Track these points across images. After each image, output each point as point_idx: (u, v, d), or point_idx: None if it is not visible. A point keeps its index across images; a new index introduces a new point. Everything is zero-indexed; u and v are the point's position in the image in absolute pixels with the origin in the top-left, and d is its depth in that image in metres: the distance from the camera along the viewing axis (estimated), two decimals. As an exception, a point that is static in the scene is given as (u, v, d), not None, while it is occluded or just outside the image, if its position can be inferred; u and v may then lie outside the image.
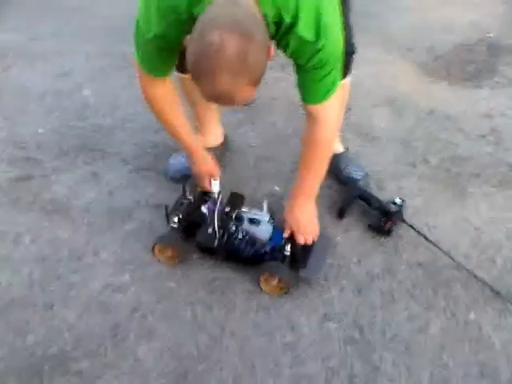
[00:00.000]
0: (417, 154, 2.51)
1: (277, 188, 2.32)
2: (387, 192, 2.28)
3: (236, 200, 1.98)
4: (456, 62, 3.25)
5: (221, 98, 1.33)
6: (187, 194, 2.06)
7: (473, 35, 3.51)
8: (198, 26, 1.30)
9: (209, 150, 2.37)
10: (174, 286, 1.91)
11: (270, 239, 1.91)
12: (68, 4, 3.99)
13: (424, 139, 2.61)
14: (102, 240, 2.07)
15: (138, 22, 1.59)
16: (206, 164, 2.04)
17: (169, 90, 1.82)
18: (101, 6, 3.92)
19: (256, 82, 1.33)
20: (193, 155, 2.03)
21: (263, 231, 1.92)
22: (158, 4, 1.46)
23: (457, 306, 1.84)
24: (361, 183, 2.25)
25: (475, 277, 1.91)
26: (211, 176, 2.03)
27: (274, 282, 1.85)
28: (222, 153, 2.45)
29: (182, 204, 2.02)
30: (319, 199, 1.99)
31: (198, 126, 2.38)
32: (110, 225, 2.13)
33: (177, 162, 2.34)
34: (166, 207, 1.95)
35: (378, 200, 2.12)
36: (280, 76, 2.93)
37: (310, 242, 1.90)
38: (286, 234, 1.91)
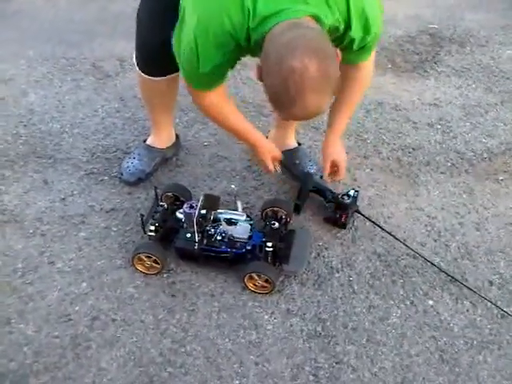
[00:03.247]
0: (368, 146, 2.55)
1: (233, 186, 2.30)
2: (341, 184, 2.31)
3: (210, 201, 1.95)
4: (400, 54, 3.31)
5: (311, 116, 1.43)
6: (160, 200, 2.04)
7: (415, 27, 3.59)
8: (271, 56, 1.35)
9: (163, 150, 2.36)
10: (133, 291, 1.88)
11: (250, 238, 1.90)
12: (7, 8, 3.85)
13: (374, 131, 2.65)
14: (57, 249, 2.02)
15: (186, 55, 1.59)
16: (273, 151, 2.03)
17: (222, 93, 1.81)
18: (41, 10, 3.80)
19: (335, 89, 1.42)
20: (258, 147, 2.00)
21: (242, 230, 1.91)
22: (216, 40, 1.50)
23: (415, 293, 1.88)
24: (315, 177, 2.27)
25: (431, 264, 1.96)
26: (275, 160, 2.04)
27: (260, 280, 1.85)
28: (175, 153, 2.43)
29: (156, 211, 1.99)
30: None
31: (153, 128, 2.34)
32: (64, 233, 2.08)
33: (130, 165, 2.30)
34: (142, 216, 1.91)
35: (331, 193, 2.15)
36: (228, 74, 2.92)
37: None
38: (326, 171, 2.05)
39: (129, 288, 1.89)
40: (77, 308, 1.83)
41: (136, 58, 2.04)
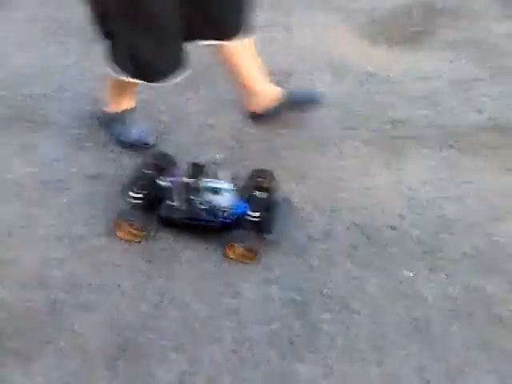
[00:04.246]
0: (356, 118, 2.54)
1: (218, 156, 2.30)
2: (327, 155, 2.30)
3: (195, 170, 1.94)
4: (394, 26, 3.27)
5: None
6: (144, 167, 2.03)
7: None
8: None
9: (124, 112, 2.33)
10: (112, 257, 1.89)
11: (233, 207, 1.90)
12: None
13: (363, 103, 2.63)
14: (37, 214, 2.02)
15: None
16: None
17: None
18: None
19: None
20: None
21: (225, 200, 1.90)
22: None
23: (392, 264, 1.89)
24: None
25: (409, 236, 1.97)
26: None
27: (241, 249, 1.85)
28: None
29: (139, 178, 1.98)
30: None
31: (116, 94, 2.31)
32: (44, 198, 2.07)
33: (135, 130, 2.30)
34: (123, 184, 1.90)
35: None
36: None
37: None
38: None
39: (107, 254, 1.90)
40: (55, 273, 1.83)
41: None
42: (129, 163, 2.24)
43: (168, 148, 2.29)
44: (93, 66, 2.71)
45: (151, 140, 2.30)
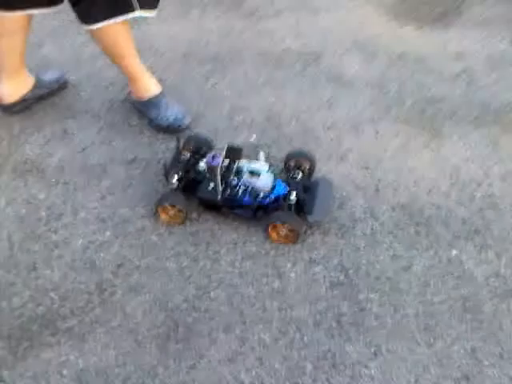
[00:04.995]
0: (391, 97, 2.51)
1: (253, 138, 2.29)
2: (365, 135, 2.28)
3: (233, 152, 1.93)
4: (423, 4, 3.22)
5: None
6: (182, 150, 2.02)
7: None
8: None
9: (157, 96, 2.32)
10: (157, 240, 1.89)
11: (273, 189, 1.89)
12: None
13: (397, 82, 2.60)
14: (80, 198, 2.03)
15: None
16: None
17: None
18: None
19: None
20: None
21: (265, 181, 1.89)
22: None
23: (439, 243, 1.87)
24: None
25: (455, 215, 1.95)
26: None
27: (283, 231, 1.84)
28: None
29: (179, 161, 1.98)
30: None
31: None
32: (86, 182, 2.08)
33: (170, 113, 2.29)
34: (165, 166, 1.90)
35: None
36: (247, 25, 2.88)
37: None
38: None
39: (152, 236, 1.90)
40: (101, 255, 1.84)
41: None
42: (163, 147, 2.24)
43: (202, 131, 2.28)
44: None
45: (186, 121, 2.29)
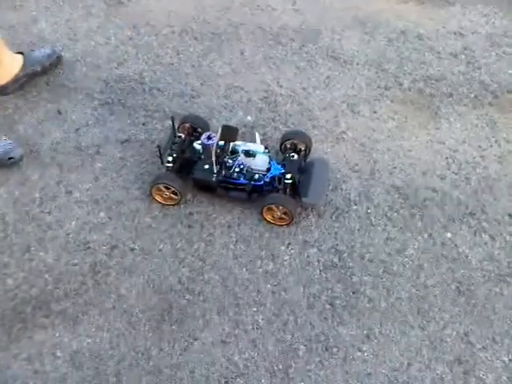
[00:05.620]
0: (389, 77, 2.47)
1: (249, 118, 2.27)
2: (361, 116, 2.25)
3: (229, 133, 1.90)
4: (426, -21, 3.15)
5: None
6: (177, 131, 2.00)
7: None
8: None
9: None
10: (151, 221, 1.89)
11: (268, 170, 1.88)
12: None
13: (396, 61, 2.56)
14: (73, 179, 2.01)
15: None
16: None
17: None
18: None
19: None
20: None
21: (260, 162, 1.88)
22: None
23: (433, 226, 1.87)
24: None
25: (450, 197, 1.94)
26: None
27: (278, 212, 1.84)
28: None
29: (174, 142, 1.96)
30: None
31: None
32: (80, 163, 2.07)
33: None
34: (159, 147, 1.88)
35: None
36: (245, 1, 2.82)
37: None
38: None
39: (146, 218, 1.90)
40: (95, 237, 1.84)
41: None
42: (158, 127, 2.22)
43: (198, 111, 2.26)
44: (117, 30, 2.67)
45: (17, 154, 2.07)
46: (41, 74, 2.40)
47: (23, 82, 2.35)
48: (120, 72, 2.45)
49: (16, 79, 2.32)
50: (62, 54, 2.50)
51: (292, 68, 2.50)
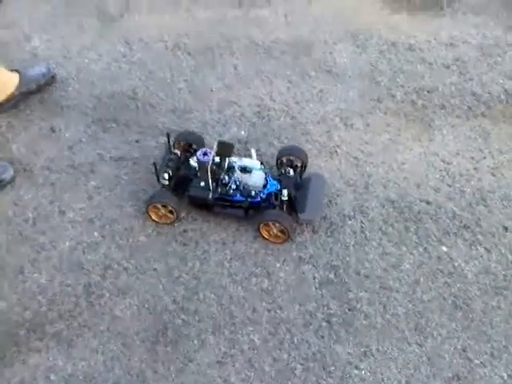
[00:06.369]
0: (382, 89, 2.47)
1: (243, 133, 2.26)
2: (355, 129, 2.25)
3: (224, 149, 1.89)
4: (416, -10, 3.17)
5: None
6: (173, 148, 1.99)
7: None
8: None
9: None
10: (145, 240, 1.88)
11: (265, 186, 1.87)
12: None
13: (388, 73, 2.56)
14: (67, 198, 2.01)
15: None
16: None
17: None
18: None
19: None
20: None
21: (256, 179, 1.87)
22: None
23: (428, 240, 1.86)
24: None
25: (444, 210, 1.93)
26: None
27: (275, 230, 1.83)
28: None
29: (169, 159, 1.94)
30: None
31: None
32: (73, 182, 2.06)
33: None
34: (155, 165, 1.87)
35: None
36: (238, 14, 2.82)
37: None
38: None
39: (140, 237, 1.89)
40: (89, 257, 1.83)
41: None
42: (152, 145, 2.21)
43: (191, 126, 2.26)
44: (109, 46, 2.67)
45: (8, 176, 2.06)
46: (35, 92, 2.40)
47: (17, 101, 2.34)
48: (113, 88, 2.45)
49: (11, 98, 2.31)
50: (56, 71, 2.50)
51: (285, 82, 2.50)
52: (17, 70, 2.36)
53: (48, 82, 2.45)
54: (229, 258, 1.83)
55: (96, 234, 1.90)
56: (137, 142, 2.23)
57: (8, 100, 2.31)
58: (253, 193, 1.85)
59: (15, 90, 2.31)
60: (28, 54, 2.65)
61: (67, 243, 1.87)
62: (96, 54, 2.64)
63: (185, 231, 1.90)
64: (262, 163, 1.93)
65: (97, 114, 2.34)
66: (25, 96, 2.36)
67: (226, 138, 2.21)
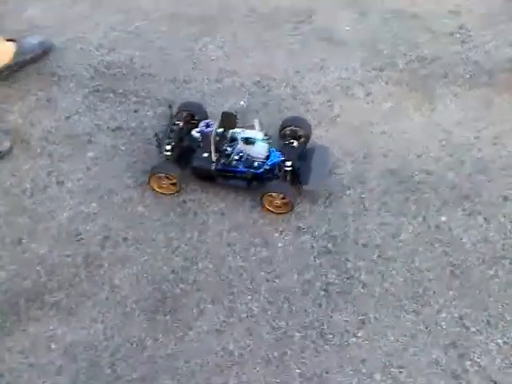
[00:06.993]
0: (383, 57, 2.44)
1: (242, 103, 2.24)
2: (356, 98, 2.23)
3: (228, 120, 1.86)
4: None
5: None
6: (175, 119, 1.97)
7: None
8: None
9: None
10: (144, 210, 1.88)
11: (268, 157, 1.86)
12: None
13: (390, 41, 2.52)
14: (65, 169, 2.00)
15: None
16: None
17: None
18: None
19: None
20: None
21: (260, 150, 1.85)
22: None
23: (427, 210, 1.85)
24: None
25: (445, 180, 1.92)
26: None
27: (278, 201, 1.82)
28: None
29: (172, 130, 1.92)
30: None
31: None
32: (71, 153, 2.05)
33: None
34: (157, 135, 1.85)
35: None
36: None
37: None
38: None
39: (139, 207, 1.89)
40: (88, 227, 1.83)
41: None
42: (150, 115, 2.19)
43: (190, 97, 2.23)
44: (106, 15, 2.63)
45: (5, 147, 2.04)
46: (32, 62, 2.37)
47: (14, 71, 2.32)
48: (110, 58, 2.42)
49: (7, 67, 2.29)
50: (52, 41, 2.47)
51: (285, 50, 2.47)
52: (13, 40, 2.33)
53: (45, 51, 2.42)
54: (227, 228, 1.83)
55: (94, 204, 1.89)
56: (135, 111, 2.21)
57: (4, 70, 2.28)
58: (256, 164, 1.84)
59: (11, 60, 2.28)
60: (24, 24, 2.62)
61: (65, 214, 1.87)
62: (93, 23, 2.60)
63: (184, 202, 1.90)
64: (266, 134, 1.91)
65: (94, 84, 2.32)
66: (21, 66, 2.34)
67: (224, 108, 2.18)
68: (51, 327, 1.60)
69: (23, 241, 1.80)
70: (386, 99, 2.23)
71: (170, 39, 2.52)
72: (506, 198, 1.87)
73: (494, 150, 2.02)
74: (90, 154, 2.04)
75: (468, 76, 2.32)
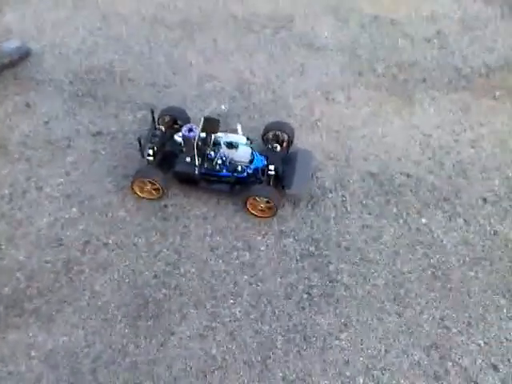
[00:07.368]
0: (363, 63, 2.46)
1: (223, 107, 2.24)
2: (336, 103, 2.24)
3: (211, 125, 1.86)
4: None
5: None
6: (157, 123, 1.96)
7: None
8: None
9: None
10: (125, 215, 1.86)
11: (251, 161, 1.85)
12: None
13: (369, 46, 2.55)
14: (44, 174, 1.97)
15: None
16: None
17: None
18: None
19: None
20: None
21: (243, 154, 1.85)
22: None
23: (408, 212, 1.87)
24: None
25: (424, 182, 1.94)
26: None
27: (262, 204, 1.81)
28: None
29: (154, 135, 1.91)
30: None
31: None
32: (50, 157, 2.02)
33: None
34: (140, 140, 1.84)
35: None
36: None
37: None
38: None
39: (120, 212, 1.87)
40: (68, 233, 1.81)
41: None
42: (130, 119, 2.18)
43: (171, 101, 2.22)
44: (85, 20, 2.61)
45: None
46: (9, 66, 2.34)
47: None
48: (89, 63, 2.40)
49: None
50: (30, 45, 2.44)
51: (265, 56, 2.48)
52: None
53: (22, 56, 2.39)
54: (210, 232, 1.82)
55: (74, 209, 1.87)
56: (115, 116, 2.19)
57: None
58: (239, 168, 1.84)
59: None
60: (1, 28, 2.58)
61: (45, 219, 1.84)
62: (72, 28, 2.58)
63: (165, 206, 1.88)
64: (248, 138, 1.91)
65: (73, 88, 2.30)
66: None
67: (206, 112, 2.18)
68: (31, 334, 1.58)
69: (1, 247, 1.77)
70: (366, 103, 2.25)
71: (149, 44, 2.51)
72: (485, 200, 1.90)
73: (472, 153, 2.05)
74: (70, 159, 2.02)
75: (446, 81, 2.35)
